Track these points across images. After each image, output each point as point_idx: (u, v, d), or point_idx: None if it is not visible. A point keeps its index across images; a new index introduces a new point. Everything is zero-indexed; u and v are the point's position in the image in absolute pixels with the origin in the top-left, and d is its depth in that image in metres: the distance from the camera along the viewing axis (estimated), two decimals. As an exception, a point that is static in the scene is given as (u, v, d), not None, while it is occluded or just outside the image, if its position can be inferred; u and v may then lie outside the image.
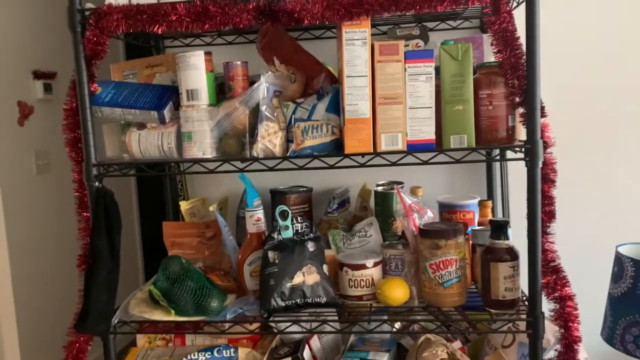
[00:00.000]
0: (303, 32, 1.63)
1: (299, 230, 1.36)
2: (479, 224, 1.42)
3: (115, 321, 1.30)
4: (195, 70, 1.25)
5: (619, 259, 1.30)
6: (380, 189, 1.52)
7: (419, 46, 1.51)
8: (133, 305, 1.32)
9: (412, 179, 1.67)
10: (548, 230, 1.22)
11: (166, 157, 1.30)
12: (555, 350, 1.25)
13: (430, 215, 1.38)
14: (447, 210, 1.50)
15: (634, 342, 1.25)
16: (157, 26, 1.21)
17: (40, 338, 2.30)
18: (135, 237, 3.20)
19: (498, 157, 1.39)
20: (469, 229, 1.41)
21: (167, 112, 1.28)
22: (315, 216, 1.62)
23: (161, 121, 1.29)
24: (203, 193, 1.73)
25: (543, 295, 1.22)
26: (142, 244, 3.20)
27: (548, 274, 1.22)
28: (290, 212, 1.35)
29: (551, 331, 1.26)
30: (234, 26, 1.19)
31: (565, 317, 1.21)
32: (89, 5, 1.26)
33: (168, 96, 1.30)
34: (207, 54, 1.28)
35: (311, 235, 1.35)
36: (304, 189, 1.59)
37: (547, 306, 1.23)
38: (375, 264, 1.34)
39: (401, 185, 1.53)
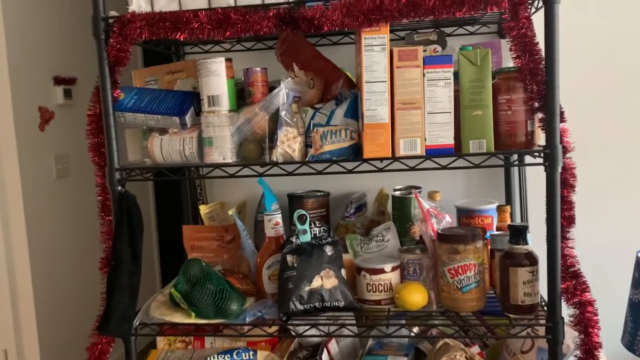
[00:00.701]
0: (321, 38, 1.64)
1: (317, 235, 1.37)
2: (498, 229, 1.42)
3: (137, 323, 1.32)
4: (216, 76, 1.27)
5: (639, 264, 1.29)
6: (397, 193, 1.53)
7: (436, 51, 1.51)
8: (154, 307, 1.34)
9: (430, 183, 1.67)
10: (567, 235, 1.22)
11: (187, 162, 1.32)
12: (575, 356, 1.24)
13: (449, 220, 1.38)
14: (465, 215, 1.50)
15: (655, 348, 1.24)
16: (179, 33, 1.23)
17: (60, 340, 2.34)
18: (152, 240, 3.24)
19: (517, 162, 1.39)
20: (488, 234, 1.41)
21: (188, 118, 1.30)
22: (332, 220, 1.63)
23: (183, 126, 1.31)
24: (222, 197, 1.75)
25: (562, 301, 1.22)
26: (159, 248, 3.23)
27: (568, 279, 1.21)
28: (308, 216, 1.36)
29: (571, 337, 1.25)
30: (254, 33, 1.20)
31: (585, 323, 1.20)
32: (112, 12, 1.29)
33: (189, 102, 1.32)
34: (228, 60, 1.30)
35: (329, 239, 1.36)
36: (321, 193, 1.61)
37: (566, 312, 1.23)
38: (394, 269, 1.35)
39: (419, 190, 1.53)
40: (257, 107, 1.25)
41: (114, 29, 1.26)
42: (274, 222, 1.41)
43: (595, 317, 1.20)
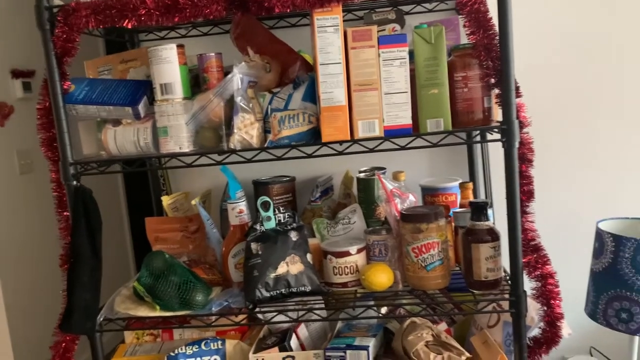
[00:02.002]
0: (279, 20, 1.61)
1: (282, 221, 1.36)
2: (461, 206, 1.43)
3: (101, 319, 1.30)
4: (168, 63, 1.24)
5: (599, 235, 1.31)
6: (362, 175, 1.52)
7: (395, 30, 1.50)
8: (118, 302, 1.32)
9: (396, 163, 1.67)
10: (527, 210, 1.23)
11: (143, 153, 1.29)
12: (539, 327, 1.26)
13: (413, 199, 1.38)
14: (429, 193, 1.50)
15: (616, 315, 1.26)
16: (126, 21, 1.19)
17: (32, 338, 2.30)
18: (125, 234, 3.20)
19: (475, 140, 1.39)
20: (451, 211, 1.42)
21: (141, 108, 1.27)
22: (299, 205, 1.62)
23: (136, 117, 1.28)
24: (186, 187, 1.73)
25: (525, 274, 1.23)
26: (132, 241, 3.19)
27: (529, 253, 1.23)
28: (272, 202, 1.35)
29: (534, 309, 1.27)
30: (204, 18, 1.17)
31: (547, 295, 1.22)
32: (56, 1, 1.24)
33: (142, 91, 1.28)
34: (180, 46, 1.26)
35: (294, 224, 1.36)
36: (287, 178, 1.59)
37: (529, 285, 1.24)
38: (359, 251, 1.35)
39: (383, 171, 1.53)
40: (212, 94, 1.23)
41: (59, 18, 1.22)
42: (238, 209, 1.39)
43: (557, 289, 1.22)
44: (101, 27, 1.21)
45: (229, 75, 1.23)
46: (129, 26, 1.19)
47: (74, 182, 1.27)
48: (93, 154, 1.38)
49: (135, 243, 3.15)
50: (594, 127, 1.63)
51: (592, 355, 1.71)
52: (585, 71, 1.61)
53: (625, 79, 1.61)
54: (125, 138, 1.28)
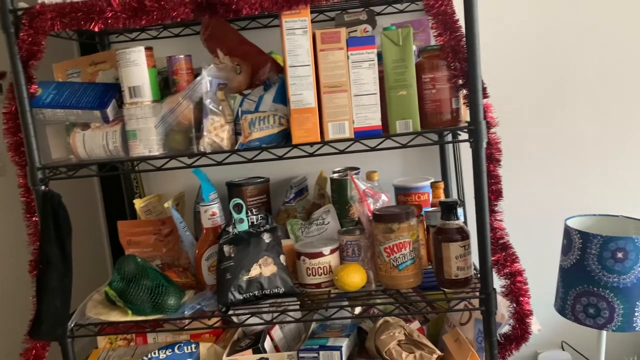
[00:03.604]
0: (250, 21, 1.61)
1: (255, 223, 1.36)
2: (432, 205, 1.44)
3: (72, 325, 1.28)
4: (136, 66, 1.23)
5: (567, 232, 1.34)
6: (335, 175, 1.53)
7: (367, 31, 1.51)
8: (90, 307, 1.31)
9: (369, 163, 1.68)
10: (496, 209, 1.24)
11: (112, 157, 1.28)
12: (509, 324, 1.28)
13: (385, 199, 1.39)
14: (402, 193, 1.51)
15: (584, 311, 1.29)
16: (93, 24, 1.18)
17: (1, 345, 2.27)
18: (102, 238, 3.14)
19: (442, 140, 1.41)
20: (423, 210, 1.43)
21: (110, 111, 1.26)
22: (274, 206, 1.62)
23: (105, 120, 1.26)
24: (159, 190, 1.72)
25: (494, 272, 1.25)
26: (109, 245, 3.14)
27: (498, 251, 1.25)
28: (244, 204, 1.34)
29: (505, 306, 1.29)
30: (172, 20, 1.17)
31: (516, 292, 1.24)
32: (21, 4, 1.22)
33: (110, 94, 1.27)
34: (148, 49, 1.25)
35: (267, 226, 1.36)
36: (261, 179, 1.59)
37: (498, 282, 1.26)
38: (332, 251, 1.35)
39: (357, 171, 1.53)
40: (180, 96, 1.22)
41: (23, 21, 1.20)
42: (211, 212, 1.39)
43: (525, 287, 1.24)
44: (67, 29, 1.20)
45: (198, 78, 1.22)
46: (96, 29, 1.18)
47: (42, 187, 1.25)
48: (62, 159, 1.37)
49: (113, 247, 3.11)
50: (561, 125, 1.66)
51: (563, 350, 1.74)
52: (550, 69, 1.64)
53: (590, 75, 1.64)
54: (94, 142, 1.27)
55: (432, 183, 1.44)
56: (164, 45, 1.59)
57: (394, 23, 1.47)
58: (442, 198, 1.43)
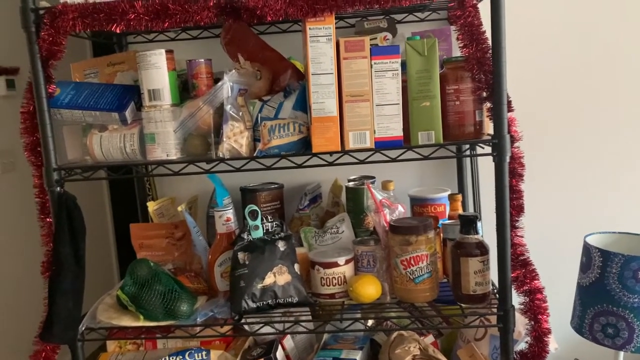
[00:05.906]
0: (270, 25, 1.59)
1: (270, 230, 1.34)
2: (450, 218, 1.42)
3: (83, 328, 1.27)
4: (156, 69, 1.22)
5: (587, 249, 1.32)
6: (351, 184, 1.51)
7: (387, 39, 1.49)
8: (101, 311, 1.29)
9: (384, 173, 1.66)
10: (517, 224, 1.22)
11: (129, 159, 1.27)
12: (526, 342, 1.26)
13: (402, 210, 1.37)
14: (418, 204, 1.49)
15: (602, 330, 1.27)
16: (114, 25, 1.17)
17: (11, 346, 2.25)
18: (109, 240, 3.13)
19: (466, 154, 1.39)
20: (440, 222, 1.41)
21: (128, 113, 1.25)
22: (287, 213, 1.61)
23: (123, 122, 1.25)
24: (172, 193, 1.70)
25: (513, 289, 1.23)
26: (116, 247, 3.13)
27: (517, 267, 1.23)
28: (260, 211, 1.33)
29: (522, 323, 1.27)
30: (194, 24, 1.15)
31: (535, 310, 1.22)
32: (43, 3, 1.21)
33: (129, 96, 1.26)
34: (169, 52, 1.24)
35: (282, 234, 1.34)
36: (275, 185, 1.57)
37: (517, 299, 1.24)
38: (347, 261, 1.33)
39: (372, 180, 1.52)
40: (201, 101, 1.21)
41: (45, 21, 1.19)
42: (225, 217, 1.37)
43: (544, 304, 1.22)
44: (88, 30, 1.18)
45: (219, 83, 1.21)
46: (118, 30, 1.16)
47: (58, 188, 1.24)
48: (78, 160, 1.35)
49: (120, 249, 3.09)
50: (583, 142, 1.64)
51: (576, 367, 1.72)
52: (574, 86, 1.62)
53: (611, 91, 1.62)
54: (111, 144, 1.26)
55: (450, 195, 1.43)
56: (181, 47, 1.58)
57: (414, 32, 1.45)
58: (460, 211, 1.41)
